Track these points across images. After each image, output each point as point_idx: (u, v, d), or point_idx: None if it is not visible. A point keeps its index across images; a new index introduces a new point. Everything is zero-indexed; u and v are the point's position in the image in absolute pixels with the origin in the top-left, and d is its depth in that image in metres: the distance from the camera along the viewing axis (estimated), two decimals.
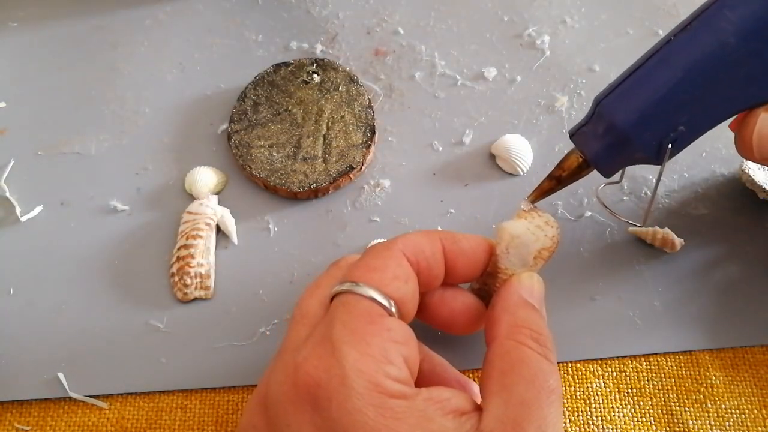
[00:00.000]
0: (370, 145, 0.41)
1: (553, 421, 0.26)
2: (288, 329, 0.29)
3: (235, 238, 0.41)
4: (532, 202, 0.34)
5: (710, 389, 0.37)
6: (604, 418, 0.36)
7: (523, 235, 0.32)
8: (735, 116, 0.33)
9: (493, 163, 0.43)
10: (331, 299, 0.29)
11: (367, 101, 0.43)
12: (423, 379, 0.28)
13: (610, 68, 0.46)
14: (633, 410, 0.37)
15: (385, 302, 0.28)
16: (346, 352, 0.25)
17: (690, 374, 0.37)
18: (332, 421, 0.24)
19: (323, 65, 0.44)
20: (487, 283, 0.33)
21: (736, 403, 0.37)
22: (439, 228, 0.41)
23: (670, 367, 0.37)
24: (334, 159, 0.41)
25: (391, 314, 0.28)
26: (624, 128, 0.31)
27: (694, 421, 0.36)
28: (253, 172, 0.41)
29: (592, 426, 0.36)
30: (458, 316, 0.33)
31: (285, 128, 0.42)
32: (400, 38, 0.47)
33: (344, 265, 0.31)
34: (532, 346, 0.28)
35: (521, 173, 0.42)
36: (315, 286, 0.30)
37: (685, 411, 0.36)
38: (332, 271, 0.31)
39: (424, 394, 0.26)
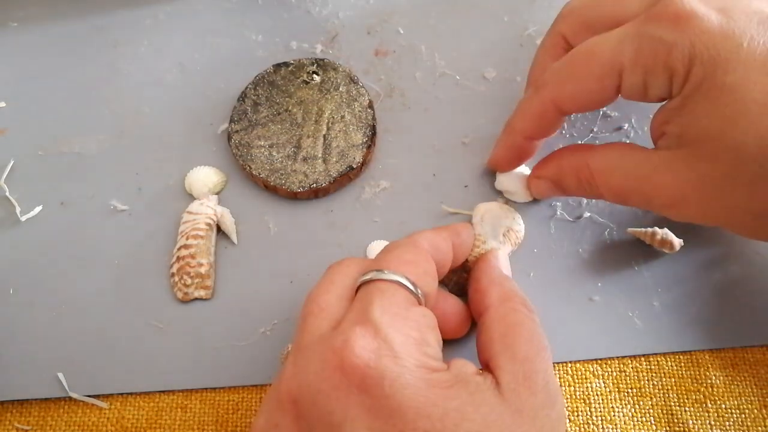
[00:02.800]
0: (370, 145, 0.41)
1: (551, 373, 0.29)
2: (303, 325, 0.29)
3: (235, 238, 0.41)
4: None
5: (710, 389, 0.37)
6: (604, 418, 0.36)
7: (494, 210, 0.39)
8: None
9: None
10: (357, 289, 0.30)
11: (368, 101, 0.43)
12: None
13: None
14: (633, 410, 0.37)
15: (418, 293, 0.29)
16: (392, 335, 0.27)
17: (690, 374, 0.37)
18: (385, 399, 0.25)
19: (323, 65, 0.44)
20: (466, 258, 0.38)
21: (736, 403, 0.37)
22: None
23: (670, 367, 0.38)
24: (334, 159, 0.41)
25: (421, 304, 0.30)
26: None
27: (694, 421, 0.36)
28: (254, 172, 0.41)
29: (592, 426, 0.36)
30: (449, 317, 0.35)
31: (285, 128, 0.42)
32: (401, 38, 0.47)
33: (354, 264, 0.32)
34: (524, 311, 0.32)
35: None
36: (328, 282, 0.31)
37: (685, 411, 0.36)
38: (342, 269, 0.32)
39: (452, 363, 0.28)
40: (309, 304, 0.30)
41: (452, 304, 0.36)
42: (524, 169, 0.41)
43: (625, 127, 0.43)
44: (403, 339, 0.27)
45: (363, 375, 0.25)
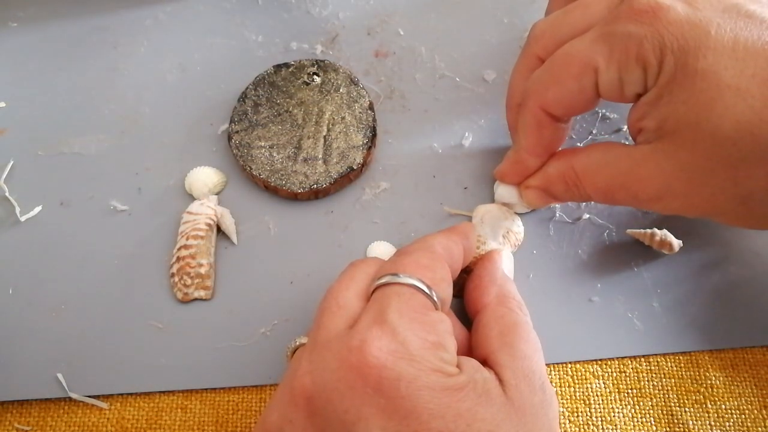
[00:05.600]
0: (370, 146, 0.41)
1: (545, 374, 0.30)
2: (320, 320, 0.30)
3: (235, 239, 0.41)
4: None
5: (710, 390, 0.37)
6: (604, 418, 0.37)
7: (494, 211, 0.40)
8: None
9: (493, 166, 0.43)
10: (374, 290, 0.30)
11: (368, 103, 0.43)
12: None
13: None
14: (633, 411, 0.37)
15: (434, 297, 0.30)
16: (410, 338, 0.27)
17: (690, 375, 0.38)
18: (401, 400, 0.25)
19: (324, 66, 0.44)
20: None
21: (736, 403, 0.37)
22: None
23: (670, 368, 0.38)
24: (334, 160, 0.41)
25: (437, 309, 0.30)
26: None
27: (695, 422, 0.36)
28: (254, 173, 0.41)
29: (592, 426, 0.36)
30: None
31: (285, 129, 0.42)
32: (401, 39, 0.47)
33: (375, 264, 0.32)
34: (520, 314, 0.33)
35: None
36: (349, 279, 0.31)
37: (685, 411, 0.37)
38: (363, 267, 0.32)
39: (463, 365, 0.28)
40: (328, 299, 0.30)
41: (459, 332, 0.35)
42: None
43: (624, 129, 0.43)
44: (420, 343, 0.27)
45: (379, 376, 0.26)
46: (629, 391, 0.37)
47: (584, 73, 0.32)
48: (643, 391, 0.37)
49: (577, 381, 0.37)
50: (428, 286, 0.29)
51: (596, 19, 0.32)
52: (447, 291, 0.31)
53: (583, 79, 0.32)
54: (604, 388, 0.37)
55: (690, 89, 0.29)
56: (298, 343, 0.32)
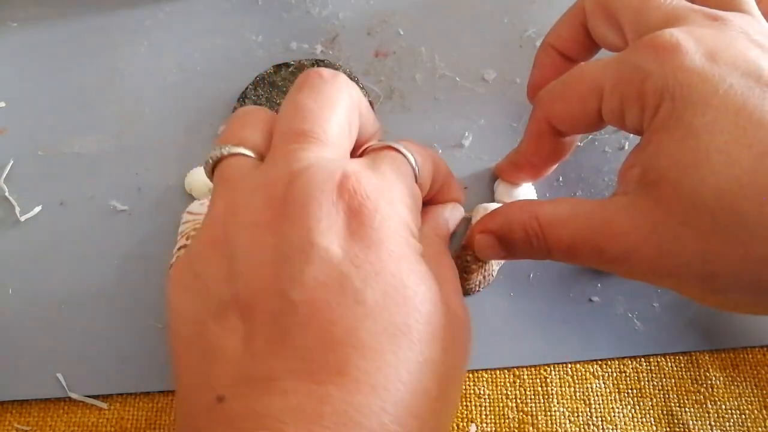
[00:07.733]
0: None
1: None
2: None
3: None
4: None
5: (710, 390, 0.37)
6: (604, 418, 0.37)
7: (493, 209, 0.37)
8: None
9: (493, 166, 0.43)
10: (365, 151, 0.33)
11: (368, 103, 0.43)
12: None
13: None
14: (633, 411, 0.37)
15: (417, 172, 0.31)
16: (395, 186, 0.29)
17: (690, 375, 0.38)
18: (371, 230, 0.26)
19: (324, 66, 0.44)
20: (460, 256, 0.37)
21: (736, 403, 0.37)
22: None
23: (670, 368, 0.38)
24: None
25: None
26: None
27: (695, 422, 0.36)
28: None
29: (592, 426, 0.36)
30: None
31: None
32: (401, 39, 0.47)
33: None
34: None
35: None
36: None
37: (685, 411, 0.37)
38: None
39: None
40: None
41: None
42: (528, 189, 0.41)
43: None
44: (401, 195, 0.28)
45: (359, 202, 0.26)
46: (629, 391, 0.37)
47: (590, 96, 0.31)
48: (643, 391, 0.37)
49: (577, 381, 0.37)
50: (416, 160, 0.31)
51: (642, 20, 0.31)
52: (426, 178, 0.32)
53: (587, 102, 0.31)
54: (604, 388, 0.37)
55: (678, 144, 0.27)
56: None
